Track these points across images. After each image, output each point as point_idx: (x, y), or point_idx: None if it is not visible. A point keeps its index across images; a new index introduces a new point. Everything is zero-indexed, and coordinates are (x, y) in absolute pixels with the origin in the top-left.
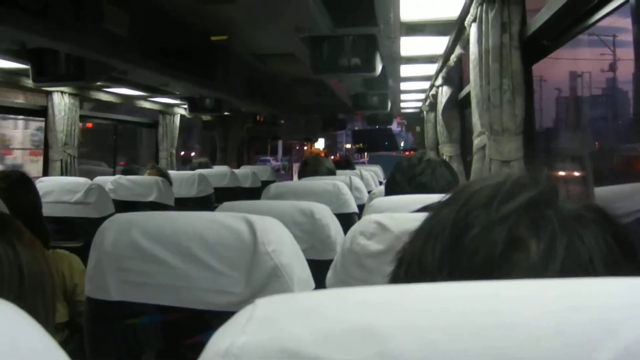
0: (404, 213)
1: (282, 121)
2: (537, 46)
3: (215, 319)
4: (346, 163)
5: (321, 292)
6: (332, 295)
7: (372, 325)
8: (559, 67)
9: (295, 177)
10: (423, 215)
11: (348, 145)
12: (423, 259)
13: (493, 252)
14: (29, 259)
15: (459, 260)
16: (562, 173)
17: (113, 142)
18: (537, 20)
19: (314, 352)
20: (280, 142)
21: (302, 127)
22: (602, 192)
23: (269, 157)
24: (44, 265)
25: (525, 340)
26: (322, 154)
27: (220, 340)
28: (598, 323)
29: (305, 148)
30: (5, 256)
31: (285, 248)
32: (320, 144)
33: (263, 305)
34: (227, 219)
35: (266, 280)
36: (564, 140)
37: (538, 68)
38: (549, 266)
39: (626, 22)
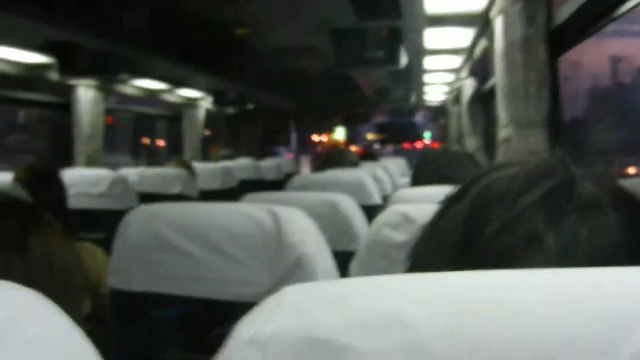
0: (429, 204)
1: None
2: (563, 38)
3: (240, 310)
4: (370, 155)
5: (350, 281)
6: (360, 284)
7: (402, 314)
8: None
9: (304, 171)
10: None
11: (370, 136)
12: (437, 256)
13: (512, 250)
14: (59, 251)
15: (475, 257)
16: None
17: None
18: (563, 13)
19: (343, 340)
20: (294, 132)
21: (325, 120)
22: (628, 184)
23: (280, 148)
24: (74, 259)
25: (547, 329)
26: (342, 145)
27: (247, 327)
28: (622, 313)
29: (323, 139)
30: (37, 249)
31: (309, 239)
32: (339, 134)
33: (291, 293)
34: (251, 210)
35: (290, 271)
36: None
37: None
38: (569, 261)
39: None
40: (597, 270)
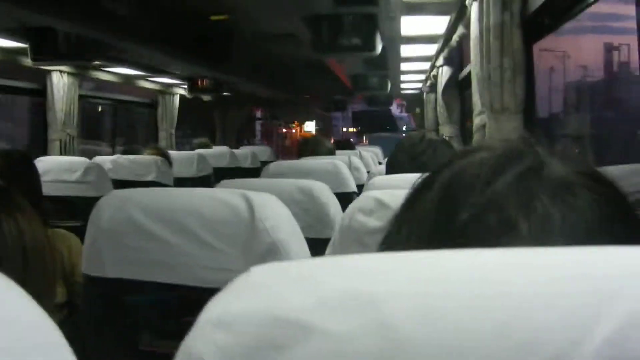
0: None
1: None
2: (538, 25)
3: (212, 296)
4: (346, 143)
5: (317, 260)
6: (327, 263)
7: (368, 292)
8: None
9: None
10: None
11: (346, 129)
12: (409, 244)
13: (485, 237)
14: (31, 234)
15: (448, 246)
16: None
17: (112, 122)
18: None
19: (308, 319)
20: (257, 124)
21: (301, 109)
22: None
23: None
24: (45, 241)
25: (521, 310)
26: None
27: (213, 308)
28: (597, 292)
29: (293, 131)
30: (8, 231)
31: (283, 224)
32: (309, 126)
33: (258, 273)
34: (225, 195)
35: (264, 257)
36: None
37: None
38: (544, 245)
39: None
40: (571, 249)
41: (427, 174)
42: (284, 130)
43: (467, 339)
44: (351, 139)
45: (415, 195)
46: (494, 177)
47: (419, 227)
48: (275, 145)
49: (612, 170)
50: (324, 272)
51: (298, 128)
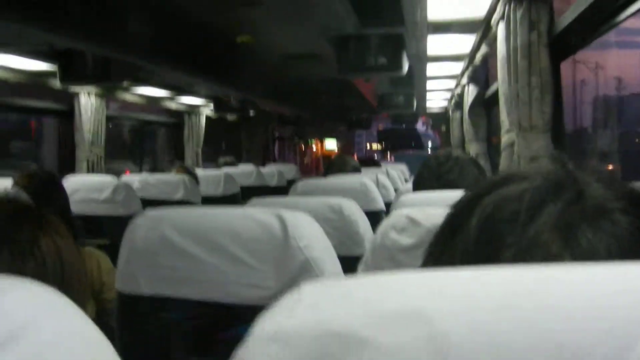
0: (434, 207)
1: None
2: (565, 43)
3: (246, 313)
4: (372, 161)
5: (365, 277)
6: (376, 280)
7: (420, 308)
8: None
9: None
10: None
11: (374, 146)
12: None
13: None
14: (67, 253)
15: None
16: None
17: (139, 142)
18: (565, 18)
19: (362, 334)
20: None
21: (326, 127)
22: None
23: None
24: (80, 260)
25: (568, 323)
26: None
27: (268, 323)
28: None
29: (313, 148)
30: (47, 250)
31: (316, 243)
32: (331, 144)
33: (309, 290)
34: (258, 214)
35: (297, 275)
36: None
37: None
38: None
39: None
40: (618, 266)
41: (465, 198)
42: (303, 147)
43: (519, 353)
44: (375, 156)
45: (455, 223)
46: (535, 213)
47: (460, 261)
48: (294, 163)
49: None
50: (373, 288)
51: (318, 145)
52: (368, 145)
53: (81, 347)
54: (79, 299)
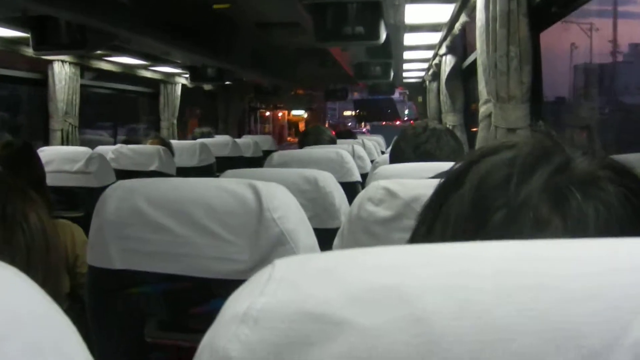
0: (411, 179)
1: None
2: (545, 13)
3: (220, 287)
4: (348, 133)
5: (342, 252)
6: (354, 256)
7: (400, 286)
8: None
9: None
10: (432, 182)
11: (348, 113)
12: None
13: (522, 237)
14: (50, 228)
15: None
16: None
17: (114, 111)
18: None
19: (339, 314)
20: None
21: (304, 97)
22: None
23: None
24: (57, 234)
25: (559, 302)
26: (302, 124)
27: (238, 303)
28: (637, 285)
29: (280, 114)
30: (34, 226)
31: (291, 214)
32: (298, 110)
33: (282, 266)
34: (232, 185)
35: (272, 247)
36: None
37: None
38: None
39: None
40: (608, 241)
41: (457, 166)
42: (267, 114)
43: (503, 331)
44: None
45: (445, 192)
46: (525, 177)
47: (453, 226)
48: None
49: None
50: (349, 265)
51: (285, 113)
52: (343, 113)
53: (40, 326)
54: (58, 274)
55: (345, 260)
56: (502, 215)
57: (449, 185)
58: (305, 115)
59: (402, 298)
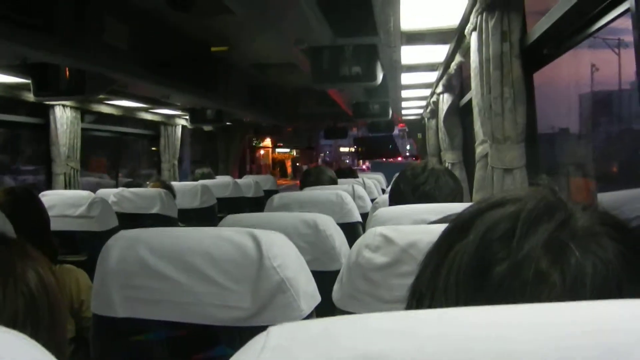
0: (409, 225)
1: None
2: (538, 54)
3: (222, 334)
4: (349, 171)
5: (333, 320)
6: (343, 323)
7: (385, 353)
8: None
9: None
10: (427, 227)
11: (345, 149)
12: (447, 298)
13: (522, 292)
14: (51, 283)
15: (486, 300)
16: None
17: (115, 154)
18: (537, 29)
19: None
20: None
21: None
22: (605, 198)
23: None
24: (57, 286)
25: None
26: (289, 162)
27: None
28: (610, 348)
29: (262, 152)
30: (35, 285)
31: (290, 262)
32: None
33: (275, 334)
34: (233, 234)
35: (272, 295)
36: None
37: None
38: (577, 297)
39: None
40: (583, 304)
41: (463, 215)
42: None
43: None
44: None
45: (451, 239)
46: (528, 232)
47: (456, 274)
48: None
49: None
50: (340, 333)
51: (268, 150)
52: (339, 149)
53: None
54: (63, 326)
55: (334, 328)
56: (504, 269)
57: (455, 232)
58: (294, 153)
59: None
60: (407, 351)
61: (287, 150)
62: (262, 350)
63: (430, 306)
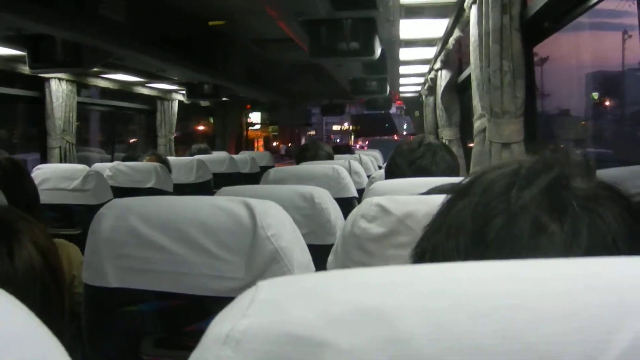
0: (405, 195)
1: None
2: (537, 28)
3: (215, 305)
4: (345, 147)
5: (325, 274)
6: (336, 277)
7: (380, 307)
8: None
9: None
10: (424, 198)
11: (337, 127)
12: (447, 253)
13: (519, 241)
14: (50, 250)
15: (484, 252)
16: None
17: (112, 128)
18: (537, 2)
19: (319, 335)
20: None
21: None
22: (603, 175)
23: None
24: (57, 251)
25: (535, 322)
26: (261, 141)
27: (221, 324)
28: (615, 304)
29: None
30: (29, 257)
31: (285, 232)
32: (256, 116)
33: (265, 288)
34: (227, 203)
35: (266, 265)
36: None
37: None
38: (574, 249)
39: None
40: (586, 260)
41: (462, 182)
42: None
43: (479, 352)
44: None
45: (452, 200)
46: (525, 186)
47: (457, 230)
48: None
49: (612, 173)
50: (331, 286)
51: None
52: (332, 127)
53: (28, 350)
54: (62, 292)
55: (326, 282)
56: (502, 220)
57: (455, 195)
58: (270, 130)
59: (381, 319)
60: (404, 305)
61: (258, 127)
62: (250, 304)
63: (430, 261)
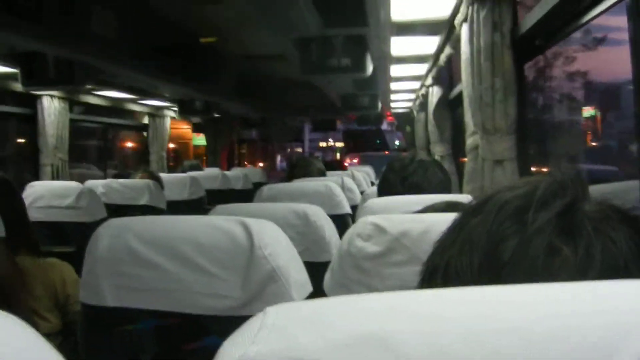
0: (399, 214)
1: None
2: (529, 45)
3: (212, 323)
4: (337, 164)
5: (330, 300)
6: (341, 303)
7: (382, 332)
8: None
9: None
10: (419, 217)
11: (323, 144)
12: (460, 270)
13: (535, 263)
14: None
15: (499, 272)
16: None
17: (104, 145)
18: (529, 20)
19: None
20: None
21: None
22: (596, 190)
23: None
24: (13, 269)
25: (530, 346)
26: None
27: (231, 350)
28: (609, 328)
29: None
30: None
31: (281, 251)
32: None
33: (273, 314)
34: (223, 222)
35: (263, 284)
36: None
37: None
38: (588, 273)
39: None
40: (585, 284)
41: (475, 201)
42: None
43: None
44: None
45: (463, 220)
46: (542, 208)
47: (470, 247)
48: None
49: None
50: (336, 312)
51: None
52: (324, 142)
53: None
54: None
55: (332, 308)
56: (515, 242)
57: (467, 213)
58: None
59: (383, 345)
60: (404, 330)
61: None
62: (259, 329)
63: (443, 278)
